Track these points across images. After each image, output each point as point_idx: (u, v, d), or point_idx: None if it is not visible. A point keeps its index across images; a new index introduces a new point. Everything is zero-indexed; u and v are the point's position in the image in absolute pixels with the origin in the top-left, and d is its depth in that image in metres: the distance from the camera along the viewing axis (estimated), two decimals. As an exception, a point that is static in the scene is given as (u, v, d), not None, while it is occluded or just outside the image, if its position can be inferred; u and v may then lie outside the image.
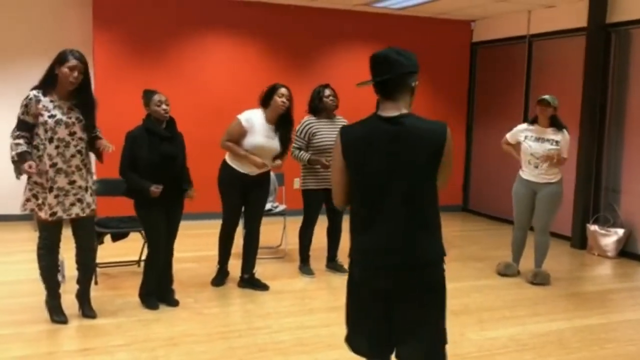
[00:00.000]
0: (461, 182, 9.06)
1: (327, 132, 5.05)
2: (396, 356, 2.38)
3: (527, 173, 5.21)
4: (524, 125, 5.34)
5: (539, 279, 5.16)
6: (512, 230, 5.49)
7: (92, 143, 3.85)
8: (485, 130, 8.51)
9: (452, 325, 4.08)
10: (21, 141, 3.63)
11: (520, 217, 5.34)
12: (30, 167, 3.53)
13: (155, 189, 3.99)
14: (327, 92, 5.09)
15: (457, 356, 3.58)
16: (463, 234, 7.48)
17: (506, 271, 5.39)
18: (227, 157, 4.63)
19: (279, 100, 4.50)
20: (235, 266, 4.89)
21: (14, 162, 3.65)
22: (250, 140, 4.50)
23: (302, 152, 5.04)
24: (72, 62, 3.61)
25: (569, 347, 3.80)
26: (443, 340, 2.34)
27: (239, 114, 4.60)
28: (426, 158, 2.21)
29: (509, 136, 5.44)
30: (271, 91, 4.56)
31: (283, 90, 4.53)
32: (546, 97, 5.11)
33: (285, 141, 4.66)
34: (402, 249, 2.24)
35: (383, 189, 2.24)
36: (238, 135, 4.52)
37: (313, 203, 5.14)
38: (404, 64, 2.23)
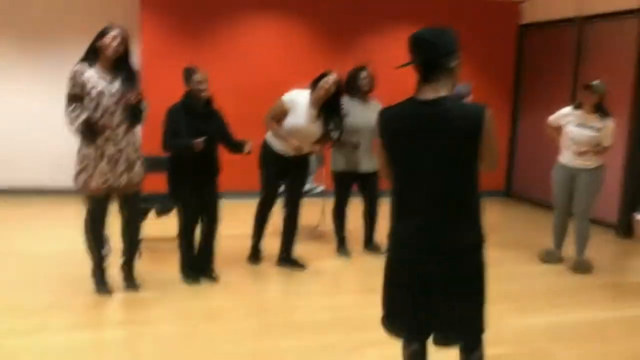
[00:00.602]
0: (504, 167, 8.91)
1: (359, 114, 5.03)
2: (433, 341, 2.40)
3: (566, 157, 5.12)
4: (568, 110, 5.21)
5: (581, 268, 5.06)
6: (553, 216, 5.40)
7: (132, 113, 3.90)
8: (531, 115, 8.31)
9: (491, 311, 4.05)
10: (79, 110, 3.75)
11: (560, 203, 5.26)
12: (104, 126, 3.70)
13: (198, 142, 4.01)
14: (364, 74, 5.07)
15: (494, 341, 3.54)
16: (505, 220, 7.38)
17: (548, 258, 5.31)
18: (268, 136, 4.67)
19: (326, 85, 4.50)
20: (274, 244, 4.96)
21: (80, 132, 3.76)
22: (290, 121, 4.53)
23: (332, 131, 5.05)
24: (113, 32, 3.75)
25: (608, 338, 3.73)
26: (481, 327, 2.35)
27: (286, 93, 4.62)
28: (464, 141, 2.19)
29: (552, 119, 5.33)
30: (322, 75, 4.58)
31: (331, 78, 4.52)
32: (594, 83, 4.96)
33: (327, 126, 4.64)
34: (440, 233, 2.24)
35: (421, 172, 2.24)
36: (280, 114, 4.56)
37: (342, 184, 5.16)
38: (440, 45, 2.19)
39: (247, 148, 4.33)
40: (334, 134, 4.66)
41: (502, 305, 4.18)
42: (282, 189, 4.84)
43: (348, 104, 5.06)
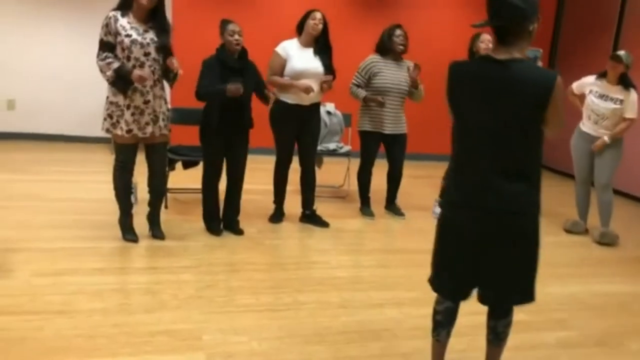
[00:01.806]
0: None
1: (390, 74, 4.96)
2: (478, 299, 2.45)
3: (587, 126, 5.06)
4: (592, 79, 5.08)
5: (606, 239, 5.00)
6: (575, 186, 5.32)
7: (165, 72, 3.94)
8: (566, 78, 8.11)
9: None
10: (111, 59, 3.76)
11: (581, 172, 5.19)
12: (140, 76, 3.69)
13: (233, 86, 3.99)
14: (398, 32, 4.96)
15: (515, 309, 3.56)
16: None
17: (573, 228, 5.26)
18: (276, 92, 4.64)
19: (312, 22, 4.49)
20: (296, 202, 4.99)
21: (112, 81, 3.77)
22: (290, 67, 4.50)
23: (359, 89, 4.99)
24: None
25: (630, 311, 3.71)
26: (525, 294, 2.38)
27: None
28: (530, 106, 2.15)
29: (574, 86, 5.23)
30: (306, 16, 4.56)
31: (317, 14, 4.52)
32: (621, 52, 4.84)
33: (327, 64, 4.60)
34: (495, 194, 2.24)
35: (484, 132, 2.23)
36: (279, 66, 4.54)
37: (369, 144, 5.12)
38: (522, 8, 2.13)
39: (269, 98, 4.38)
40: (326, 81, 4.58)
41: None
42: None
43: (379, 63, 4.99)
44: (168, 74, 3.97)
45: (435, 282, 2.50)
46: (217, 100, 4.10)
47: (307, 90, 4.44)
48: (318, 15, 4.52)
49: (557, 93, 2.14)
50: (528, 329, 3.31)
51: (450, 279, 2.44)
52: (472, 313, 3.45)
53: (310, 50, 4.58)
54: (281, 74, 4.55)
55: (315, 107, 4.70)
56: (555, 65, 8.45)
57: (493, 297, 2.42)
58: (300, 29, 4.60)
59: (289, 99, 4.57)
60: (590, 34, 7.74)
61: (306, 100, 4.56)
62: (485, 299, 2.43)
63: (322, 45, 4.59)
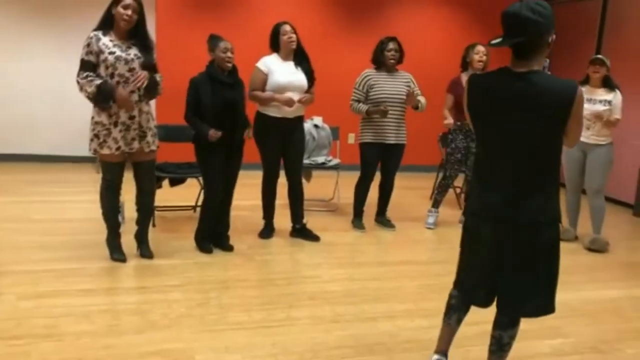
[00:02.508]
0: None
1: (386, 85, 4.97)
2: (498, 308, 2.48)
3: None
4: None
5: (596, 246, 5.01)
6: (565, 194, 5.34)
7: (154, 84, 3.89)
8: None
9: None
10: (92, 77, 3.72)
11: (571, 179, 5.20)
12: (121, 95, 3.69)
13: (214, 133, 4.04)
14: (391, 45, 4.98)
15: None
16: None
17: (563, 236, 5.24)
18: (259, 108, 4.61)
19: (285, 37, 4.50)
20: (286, 216, 4.96)
21: (93, 97, 3.73)
22: (273, 81, 4.49)
23: (360, 104, 4.99)
24: (127, 0, 3.69)
25: (624, 316, 3.70)
26: (544, 305, 2.40)
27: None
28: (551, 117, 2.18)
29: None
30: (275, 33, 4.56)
31: (286, 27, 4.53)
32: (600, 56, 4.92)
33: (309, 75, 4.59)
34: (514, 205, 2.26)
35: (504, 143, 2.26)
36: (260, 82, 4.52)
37: (369, 157, 5.11)
38: (539, 23, 2.17)
39: (247, 133, 4.34)
40: (309, 92, 4.60)
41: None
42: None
43: (374, 76, 4.99)
44: (155, 92, 3.93)
45: (460, 288, 2.58)
46: (200, 131, 4.08)
47: (289, 103, 4.43)
48: (287, 28, 4.52)
49: (578, 104, 2.17)
50: (521, 338, 3.25)
51: (473, 284, 2.50)
52: (468, 324, 3.43)
53: (292, 64, 4.57)
54: (262, 89, 4.53)
55: (299, 119, 4.69)
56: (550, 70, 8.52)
57: (511, 307, 2.44)
58: (274, 45, 4.59)
59: (272, 112, 4.54)
60: (573, 41, 7.83)
61: (290, 113, 4.54)
62: (503, 308, 2.45)
63: (299, 56, 4.59)
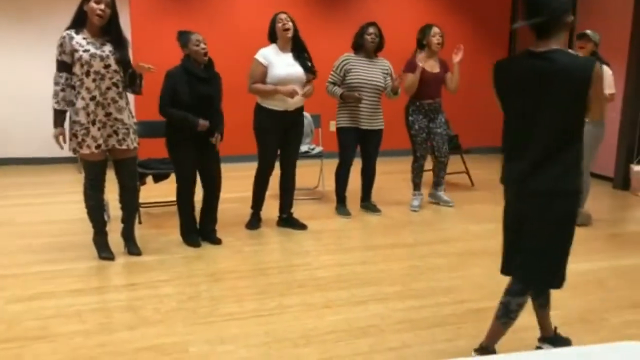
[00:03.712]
0: (501, 123, 8.88)
1: (363, 71, 4.98)
2: (513, 278, 2.64)
3: None
4: None
5: (580, 220, 5.08)
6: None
7: (131, 79, 3.88)
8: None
9: (492, 265, 4.11)
10: (59, 95, 3.73)
11: None
12: (58, 135, 3.80)
13: (204, 123, 4.02)
14: (371, 29, 4.99)
15: (496, 294, 3.60)
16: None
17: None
18: (260, 101, 4.61)
19: (279, 25, 4.47)
20: (273, 206, 4.97)
21: (53, 110, 3.76)
22: (273, 74, 4.46)
23: (335, 87, 5.00)
24: None
25: (608, 287, 3.78)
26: (551, 278, 2.53)
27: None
28: (572, 93, 2.30)
29: None
30: (273, 22, 4.53)
31: (281, 16, 4.50)
32: (587, 31, 4.93)
33: (306, 66, 4.58)
34: (533, 174, 2.39)
35: (529, 119, 2.39)
36: (261, 75, 4.49)
37: (346, 141, 5.12)
38: (557, 2, 2.30)
39: (214, 140, 4.21)
40: (308, 83, 4.60)
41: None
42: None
43: (352, 60, 5.01)
44: (133, 83, 3.91)
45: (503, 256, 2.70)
46: (188, 123, 4.04)
47: (292, 94, 4.41)
48: (283, 15, 4.50)
49: (596, 79, 2.29)
50: (512, 313, 3.34)
51: (505, 253, 2.67)
52: (458, 302, 3.49)
53: (290, 55, 4.54)
54: (262, 82, 4.49)
55: (300, 111, 4.68)
56: (515, 48, 8.59)
57: (520, 275, 2.58)
58: (272, 35, 4.56)
59: (274, 105, 4.52)
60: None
61: (291, 105, 4.53)
62: (515, 274, 2.61)
63: (297, 46, 4.56)
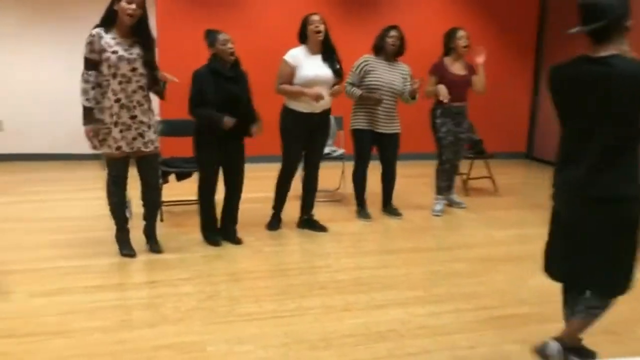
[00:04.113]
0: (526, 129, 8.78)
1: (383, 73, 4.95)
2: (575, 287, 2.60)
3: None
4: None
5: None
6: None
7: (155, 81, 3.90)
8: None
9: (514, 271, 4.05)
10: (90, 94, 3.74)
11: None
12: (89, 132, 3.80)
13: (229, 120, 4.02)
14: (392, 32, 4.95)
15: (518, 301, 3.55)
16: (527, 182, 7.30)
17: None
18: (287, 102, 4.59)
19: (312, 27, 4.42)
20: (293, 207, 4.96)
21: (83, 107, 3.78)
22: (301, 75, 4.43)
23: (354, 88, 4.97)
24: None
25: (639, 299, 3.68)
26: (611, 288, 2.48)
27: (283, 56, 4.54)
28: (631, 98, 2.26)
29: None
30: (304, 23, 4.49)
31: (314, 17, 4.45)
32: None
33: (335, 68, 4.54)
34: (589, 181, 2.36)
35: (586, 127, 2.36)
36: (289, 75, 4.47)
37: (362, 142, 5.08)
38: (616, 7, 2.28)
39: (255, 130, 4.24)
40: (339, 75, 4.57)
41: (526, 266, 4.16)
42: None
43: (372, 62, 4.98)
44: (157, 87, 3.93)
45: (546, 267, 2.67)
46: (214, 121, 4.05)
47: (318, 98, 4.39)
48: (315, 17, 4.44)
49: None
50: (531, 321, 3.29)
51: (555, 261, 2.61)
52: (479, 308, 3.44)
53: (319, 57, 4.50)
54: (290, 82, 4.47)
55: (326, 113, 4.65)
56: (542, 58, 8.48)
57: (580, 284, 2.55)
58: (302, 37, 4.52)
59: (301, 107, 4.49)
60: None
61: (318, 107, 4.51)
62: (574, 283, 2.59)
63: (327, 48, 4.52)
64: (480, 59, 5.22)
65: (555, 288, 3.72)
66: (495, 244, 4.66)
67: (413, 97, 5.04)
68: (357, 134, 5.08)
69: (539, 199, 6.23)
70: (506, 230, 5.02)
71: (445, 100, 5.09)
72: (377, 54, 5.02)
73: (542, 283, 3.84)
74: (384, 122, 5.02)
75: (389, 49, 4.95)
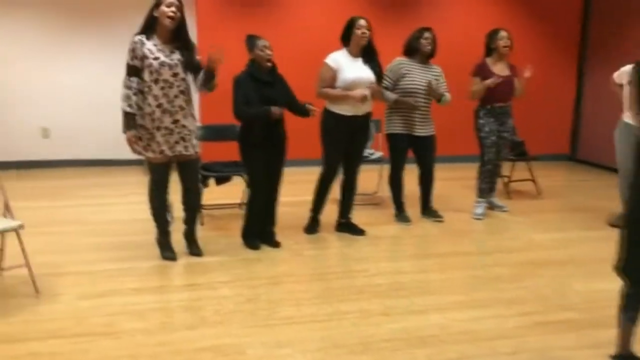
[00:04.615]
0: (569, 130, 8.57)
1: (418, 76, 4.91)
2: None
3: (628, 117, 4.88)
4: (629, 67, 4.92)
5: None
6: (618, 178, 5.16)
7: (207, 79, 3.93)
8: (599, 73, 7.91)
9: (558, 276, 3.96)
10: (132, 100, 3.82)
11: (624, 164, 5.01)
12: (131, 137, 3.87)
13: (276, 110, 4.05)
14: (427, 34, 4.92)
15: (562, 307, 3.47)
16: (570, 184, 7.12)
17: (617, 222, 5.08)
18: (329, 105, 4.59)
19: (359, 32, 4.41)
20: (331, 211, 4.96)
21: (124, 113, 3.86)
22: (343, 78, 4.43)
23: (388, 92, 4.94)
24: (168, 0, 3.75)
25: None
26: None
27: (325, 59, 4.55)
28: None
29: (615, 76, 5.09)
30: (350, 25, 4.48)
31: (362, 21, 4.44)
32: None
33: (377, 71, 4.54)
34: None
35: None
36: (330, 79, 4.47)
37: (399, 146, 5.05)
38: None
39: (311, 111, 4.31)
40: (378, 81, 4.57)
41: (570, 271, 4.07)
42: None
43: (407, 64, 4.95)
44: (209, 82, 3.96)
45: (624, 270, 2.58)
46: (259, 120, 4.10)
47: (363, 99, 4.38)
48: (363, 22, 4.44)
49: None
50: (580, 328, 3.21)
51: (629, 256, 2.54)
52: (522, 314, 3.37)
53: (359, 60, 4.50)
54: (332, 86, 4.48)
55: (368, 116, 4.63)
56: (585, 58, 8.27)
57: None
58: (346, 39, 4.52)
59: (344, 110, 4.48)
60: (622, 24, 7.56)
61: (360, 110, 4.51)
62: None
63: (368, 52, 4.51)
64: (527, 74, 5.19)
65: (602, 293, 3.65)
66: (537, 247, 4.57)
67: (439, 100, 5.00)
68: (393, 137, 5.06)
69: (582, 202, 6.08)
70: (549, 233, 4.91)
71: (495, 82, 5.05)
72: (411, 56, 4.99)
73: (588, 288, 3.77)
74: (420, 125, 4.98)
75: (424, 51, 4.92)
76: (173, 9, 3.75)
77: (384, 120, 5.18)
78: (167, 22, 3.77)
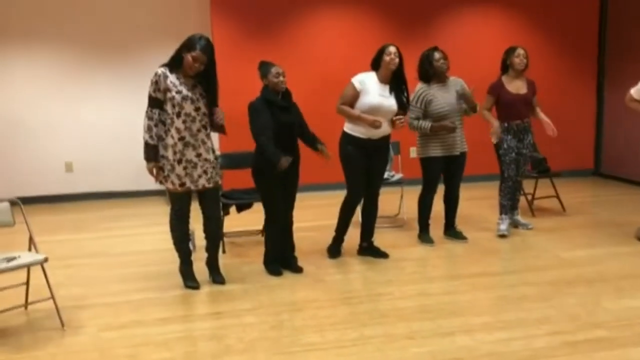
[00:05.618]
0: (592, 145, 8.46)
1: (443, 97, 4.90)
2: None
3: None
4: None
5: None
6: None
7: (216, 129, 4.03)
8: (620, 88, 7.81)
9: (587, 294, 3.88)
10: (153, 131, 3.87)
11: None
12: (152, 168, 3.95)
13: (285, 161, 4.07)
14: (437, 55, 4.90)
15: (593, 325, 3.38)
16: (595, 200, 6.99)
17: (638, 234, 5.00)
18: (347, 128, 4.58)
19: (387, 57, 4.43)
20: (353, 234, 4.93)
21: (146, 144, 3.91)
22: (365, 101, 4.44)
23: (420, 121, 4.91)
24: (196, 52, 3.78)
25: None
26: None
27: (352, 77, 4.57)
28: None
29: (633, 92, 5.01)
30: (380, 52, 4.51)
31: (391, 48, 4.47)
32: None
33: (401, 100, 4.54)
34: None
35: None
36: (352, 98, 4.49)
37: (435, 171, 5.03)
38: None
39: (323, 153, 4.36)
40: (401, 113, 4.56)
41: (599, 287, 3.97)
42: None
43: (429, 90, 4.91)
44: (219, 126, 4.04)
45: None
46: (271, 159, 4.11)
47: (374, 124, 4.38)
48: (392, 49, 4.46)
49: None
50: (612, 346, 3.11)
51: None
52: (551, 333, 3.29)
53: (387, 87, 4.51)
54: (352, 105, 4.49)
55: (385, 139, 4.63)
56: (605, 72, 8.19)
57: None
58: (376, 64, 4.55)
59: (359, 133, 4.49)
60: (638, 39, 7.50)
61: (376, 134, 4.50)
62: None
63: (396, 79, 4.53)
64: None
65: (633, 310, 3.55)
66: (564, 265, 4.47)
67: (474, 110, 5.01)
68: (428, 161, 5.01)
69: (608, 217, 5.96)
70: (575, 250, 4.81)
71: (494, 141, 5.16)
72: (428, 80, 4.96)
73: (618, 305, 3.68)
74: (459, 142, 4.99)
75: (441, 71, 4.91)
76: (197, 64, 3.81)
77: (403, 142, 5.16)
78: (188, 71, 3.84)
